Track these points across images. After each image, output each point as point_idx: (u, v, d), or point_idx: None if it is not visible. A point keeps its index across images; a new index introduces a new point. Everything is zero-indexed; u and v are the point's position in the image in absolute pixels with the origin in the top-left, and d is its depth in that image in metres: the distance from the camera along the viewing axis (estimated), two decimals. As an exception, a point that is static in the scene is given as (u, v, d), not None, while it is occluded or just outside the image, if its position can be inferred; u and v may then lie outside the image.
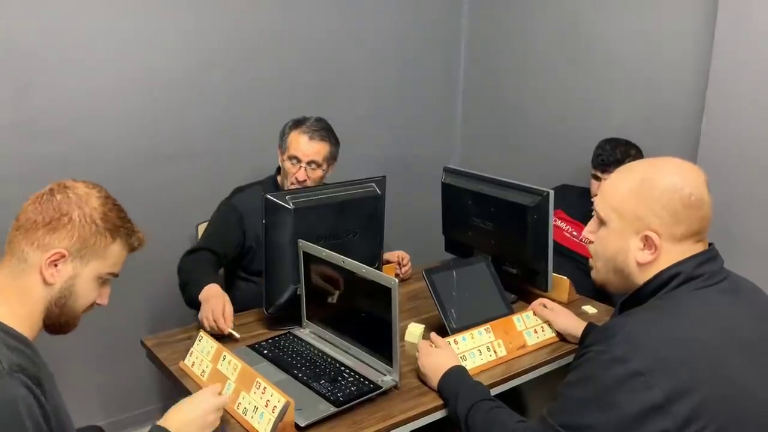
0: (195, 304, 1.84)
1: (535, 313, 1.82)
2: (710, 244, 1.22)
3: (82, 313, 1.25)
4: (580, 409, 1.09)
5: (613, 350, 1.06)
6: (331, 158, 2.21)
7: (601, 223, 1.23)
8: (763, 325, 1.16)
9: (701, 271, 1.15)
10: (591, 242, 1.27)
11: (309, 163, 2.15)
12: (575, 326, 1.75)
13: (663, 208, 1.15)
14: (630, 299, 1.21)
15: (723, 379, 1.05)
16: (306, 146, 2.14)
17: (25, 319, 1.16)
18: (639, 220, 1.17)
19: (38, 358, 1.14)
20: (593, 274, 1.30)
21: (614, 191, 1.21)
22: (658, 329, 1.09)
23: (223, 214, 2.20)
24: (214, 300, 1.75)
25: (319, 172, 2.17)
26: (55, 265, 1.17)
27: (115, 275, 1.26)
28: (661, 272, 1.16)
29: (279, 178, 2.29)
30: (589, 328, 1.71)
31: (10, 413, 1.00)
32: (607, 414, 1.05)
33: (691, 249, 1.17)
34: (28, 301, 1.16)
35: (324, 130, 2.18)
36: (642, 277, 1.19)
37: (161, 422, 1.27)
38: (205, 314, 1.73)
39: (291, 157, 2.15)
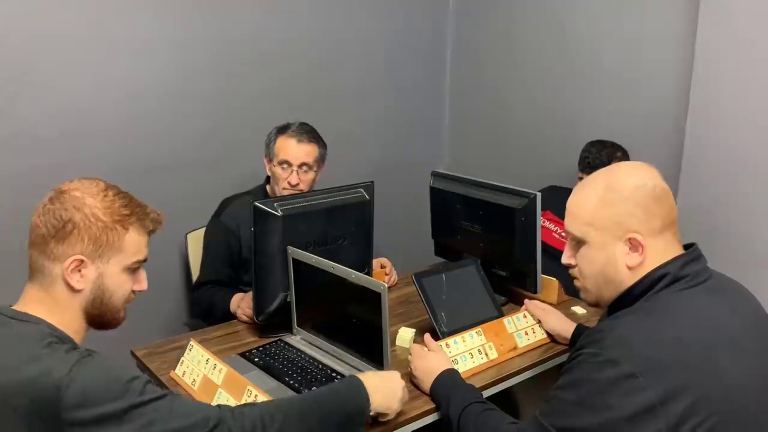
0: (227, 318, 1.98)
1: (528, 310, 1.83)
2: (693, 244, 1.23)
3: (125, 304, 1.25)
4: (573, 411, 1.10)
5: (605, 352, 1.07)
6: (321, 160, 2.22)
7: (579, 243, 1.23)
8: (748, 321, 1.18)
9: (686, 272, 1.16)
10: (573, 266, 1.27)
11: (300, 165, 2.15)
12: (565, 327, 1.76)
13: (636, 207, 1.17)
14: (618, 302, 1.22)
15: (714, 376, 1.06)
16: (295, 149, 2.15)
17: (70, 326, 1.19)
18: (618, 226, 1.18)
19: None
20: (583, 295, 1.29)
21: (582, 207, 1.21)
22: (648, 330, 1.10)
23: (214, 238, 2.21)
24: (247, 298, 1.92)
25: (311, 175, 2.18)
26: (79, 271, 1.16)
27: (143, 261, 1.25)
28: (649, 274, 1.17)
29: (269, 188, 2.29)
30: (579, 330, 1.72)
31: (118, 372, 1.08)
32: (600, 416, 1.06)
33: (674, 244, 1.19)
34: (66, 309, 1.18)
35: (310, 133, 2.20)
36: (632, 279, 1.19)
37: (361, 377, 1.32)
38: (243, 311, 1.92)
39: (281, 162, 2.15)
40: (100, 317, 1.22)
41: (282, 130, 2.20)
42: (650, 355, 1.06)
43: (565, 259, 1.28)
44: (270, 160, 2.20)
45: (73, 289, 1.17)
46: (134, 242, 1.21)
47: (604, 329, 1.13)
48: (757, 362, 1.13)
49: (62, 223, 1.15)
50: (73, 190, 1.18)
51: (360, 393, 1.28)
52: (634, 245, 1.17)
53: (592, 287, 1.25)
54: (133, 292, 1.26)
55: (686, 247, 1.23)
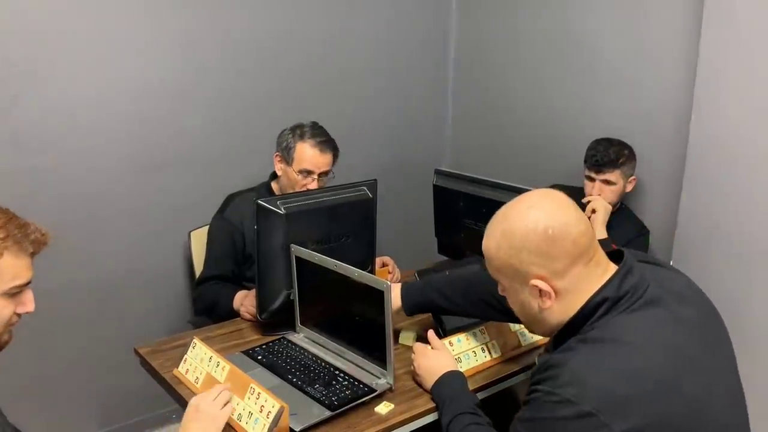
0: (230, 316, 1.99)
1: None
2: (621, 253, 1.19)
3: (9, 327, 1.18)
4: None
5: (561, 392, 1.05)
6: (335, 163, 2.25)
7: (498, 283, 1.23)
8: (696, 331, 1.15)
9: (625, 289, 1.12)
10: None
11: (320, 174, 2.18)
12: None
13: (530, 254, 1.12)
14: (562, 332, 1.18)
15: (677, 402, 1.04)
16: (318, 160, 2.16)
17: None
18: (518, 273, 1.15)
19: None
20: (526, 328, 1.29)
21: (488, 252, 1.19)
22: (602, 365, 1.06)
23: (218, 234, 2.22)
24: (250, 296, 1.94)
25: (325, 179, 2.21)
26: None
27: (23, 285, 1.17)
28: (587, 302, 1.13)
29: (273, 185, 2.29)
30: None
31: None
32: None
33: (593, 270, 1.14)
34: None
35: (329, 139, 2.21)
36: (558, 316, 1.16)
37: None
38: (246, 308, 1.93)
39: (302, 171, 2.16)
40: None
41: (301, 135, 2.18)
42: (606, 391, 1.02)
43: (500, 292, 1.26)
44: (286, 162, 2.19)
45: None
46: (11, 267, 1.12)
47: (558, 364, 1.09)
48: (714, 376, 1.11)
49: None
50: None
51: None
52: (541, 291, 1.14)
53: (525, 323, 1.26)
54: (18, 315, 1.18)
55: (614, 255, 1.19)
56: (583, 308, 1.13)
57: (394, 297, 1.68)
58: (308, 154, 2.15)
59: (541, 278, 1.13)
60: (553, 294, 1.14)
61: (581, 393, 1.03)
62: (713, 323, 1.21)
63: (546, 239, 1.11)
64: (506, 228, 1.15)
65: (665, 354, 1.08)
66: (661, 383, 1.04)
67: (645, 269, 1.19)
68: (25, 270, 1.16)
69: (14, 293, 1.16)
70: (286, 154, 2.19)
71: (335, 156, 2.22)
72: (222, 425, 1.32)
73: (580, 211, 1.16)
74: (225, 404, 1.35)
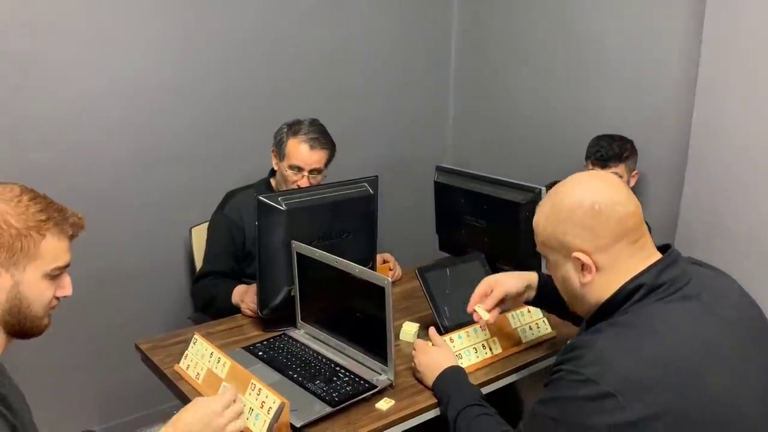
0: (229, 312, 1.98)
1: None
2: (669, 246, 1.20)
3: (50, 310, 1.20)
4: (552, 428, 1.10)
5: (583, 371, 1.05)
6: (330, 161, 2.23)
7: (546, 258, 1.25)
8: (731, 329, 1.14)
9: (663, 280, 1.13)
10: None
11: (311, 171, 2.16)
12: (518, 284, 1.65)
13: (575, 226, 1.15)
14: (595, 315, 1.19)
15: (698, 394, 1.04)
16: (307, 156, 2.14)
17: None
18: (562, 246, 1.18)
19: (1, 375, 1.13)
20: (569, 307, 1.30)
21: (536, 227, 1.23)
22: (627, 348, 1.07)
23: (218, 230, 2.21)
24: (250, 291, 1.93)
25: (319, 177, 2.19)
26: None
27: (65, 267, 1.19)
28: (624, 285, 1.14)
29: (272, 181, 2.29)
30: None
31: None
32: None
33: (636, 252, 1.15)
34: None
35: (322, 136, 2.18)
36: (597, 294, 1.17)
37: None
38: (247, 304, 1.92)
39: (292, 167, 2.15)
40: (19, 326, 1.16)
41: (295, 131, 2.17)
42: (629, 374, 1.03)
43: (545, 270, 1.30)
44: (279, 158, 2.19)
45: None
46: (52, 248, 1.15)
47: (583, 344, 1.10)
48: (746, 378, 1.10)
49: None
50: None
51: None
52: (584, 264, 1.16)
53: (567, 300, 1.27)
54: (57, 298, 1.21)
55: (663, 248, 1.20)
56: (617, 292, 1.15)
57: (530, 280, 1.61)
58: (298, 150, 2.14)
59: (584, 251, 1.15)
60: (594, 268, 1.16)
61: (603, 372, 1.04)
62: (756, 327, 1.19)
63: (592, 213, 1.14)
64: (555, 202, 1.20)
65: (693, 347, 1.08)
66: (685, 375, 1.04)
67: (691, 268, 1.20)
68: (65, 252, 1.19)
69: (55, 275, 1.18)
70: (279, 150, 2.18)
71: (330, 154, 2.20)
72: None
73: (632, 194, 1.19)
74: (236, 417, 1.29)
